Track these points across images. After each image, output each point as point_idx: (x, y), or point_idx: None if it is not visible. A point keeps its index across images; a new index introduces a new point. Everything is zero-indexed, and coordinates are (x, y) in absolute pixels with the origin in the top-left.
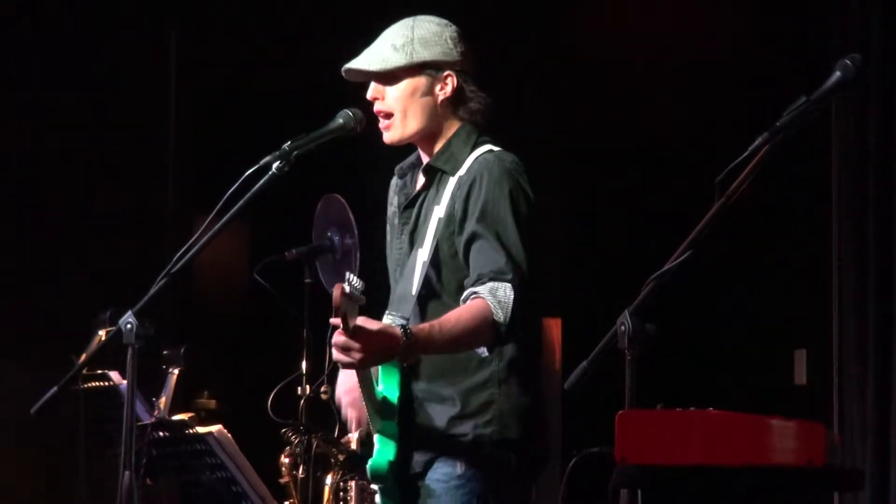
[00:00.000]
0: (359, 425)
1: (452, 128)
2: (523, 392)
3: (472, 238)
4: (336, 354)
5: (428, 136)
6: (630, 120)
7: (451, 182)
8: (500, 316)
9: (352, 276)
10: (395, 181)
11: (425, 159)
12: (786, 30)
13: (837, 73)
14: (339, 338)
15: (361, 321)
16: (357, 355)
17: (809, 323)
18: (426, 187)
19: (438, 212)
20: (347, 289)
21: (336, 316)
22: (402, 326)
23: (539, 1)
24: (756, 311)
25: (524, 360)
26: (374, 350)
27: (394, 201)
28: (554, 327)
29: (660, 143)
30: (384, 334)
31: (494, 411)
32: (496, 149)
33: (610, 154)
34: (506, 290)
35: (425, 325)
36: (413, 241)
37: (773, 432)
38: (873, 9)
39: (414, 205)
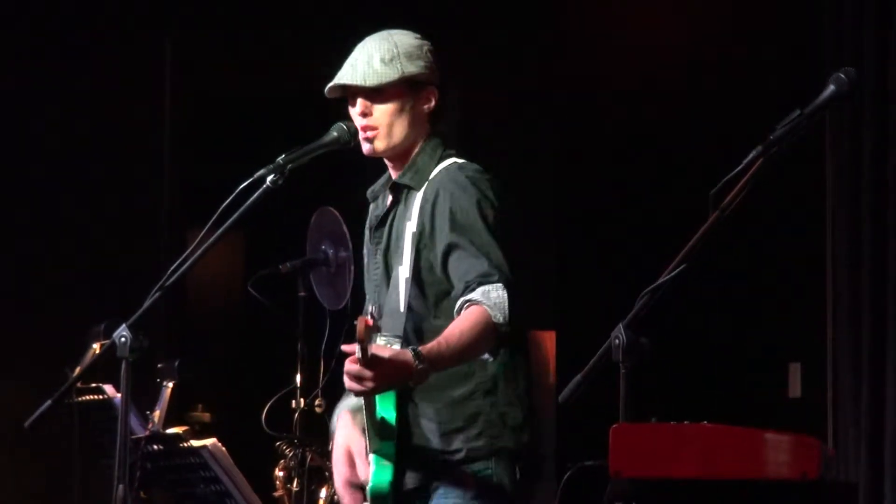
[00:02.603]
0: None
1: (420, 143)
2: (510, 402)
3: (449, 250)
4: (349, 383)
5: (405, 150)
6: (625, 133)
7: (418, 197)
8: (499, 317)
9: (371, 306)
10: (371, 207)
11: (394, 176)
12: (780, 43)
13: (831, 87)
14: (353, 366)
15: (374, 349)
16: (370, 384)
17: (803, 336)
18: (394, 206)
19: (411, 227)
20: (371, 321)
21: (359, 345)
22: (413, 350)
23: (536, 11)
24: (750, 324)
25: (509, 369)
26: (388, 378)
27: (367, 226)
28: (548, 340)
29: (654, 156)
30: (397, 361)
31: (483, 423)
32: (460, 160)
33: (604, 167)
34: (498, 291)
35: (433, 345)
36: (389, 260)
37: (768, 446)
38: (866, 22)
39: (385, 224)
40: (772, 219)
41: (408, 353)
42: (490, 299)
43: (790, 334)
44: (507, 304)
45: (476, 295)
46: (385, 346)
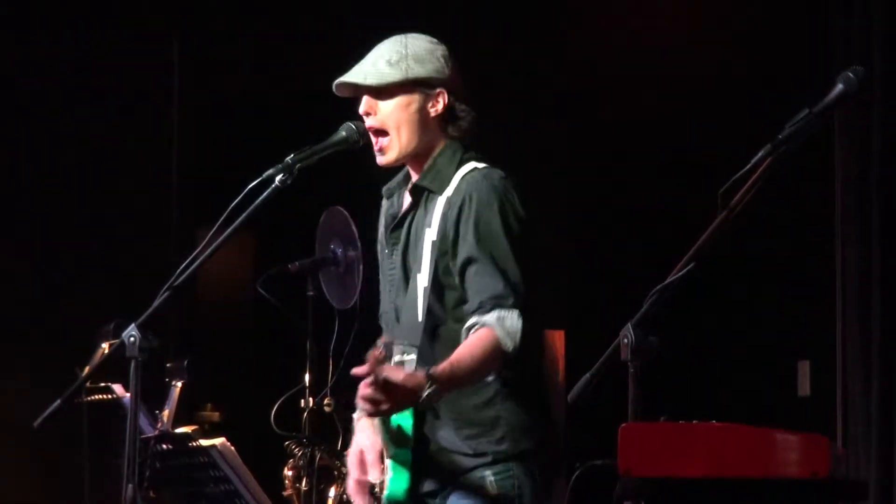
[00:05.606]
0: None
1: (439, 146)
2: (529, 406)
3: (468, 262)
4: (363, 405)
5: (419, 153)
6: (634, 133)
7: (440, 202)
8: (510, 346)
9: (380, 341)
10: (384, 203)
11: (413, 177)
12: (788, 42)
13: (840, 86)
14: (367, 391)
15: (387, 370)
16: (384, 406)
17: (813, 334)
18: (413, 207)
19: (430, 234)
20: (382, 353)
21: (369, 375)
22: (426, 372)
23: (547, 15)
24: (759, 322)
25: (525, 375)
26: (400, 400)
27: (382, 223)
28: (557, 339)
29: (663, 155)
30: (409, 385)
31: (504, 427)
32: (482, 165)
33: (613, 166)
34: (513, 319)
35: (445, 367)
36: (406, 263)
37: (777, 444)
38: (875, 20)
39: (402, 225)
40: (781, 217)
41: (420, 377)
42: (504, 327)
43: (799, 332)
44: (520, 333)
45: (490, 319)
46: (398, 366)
